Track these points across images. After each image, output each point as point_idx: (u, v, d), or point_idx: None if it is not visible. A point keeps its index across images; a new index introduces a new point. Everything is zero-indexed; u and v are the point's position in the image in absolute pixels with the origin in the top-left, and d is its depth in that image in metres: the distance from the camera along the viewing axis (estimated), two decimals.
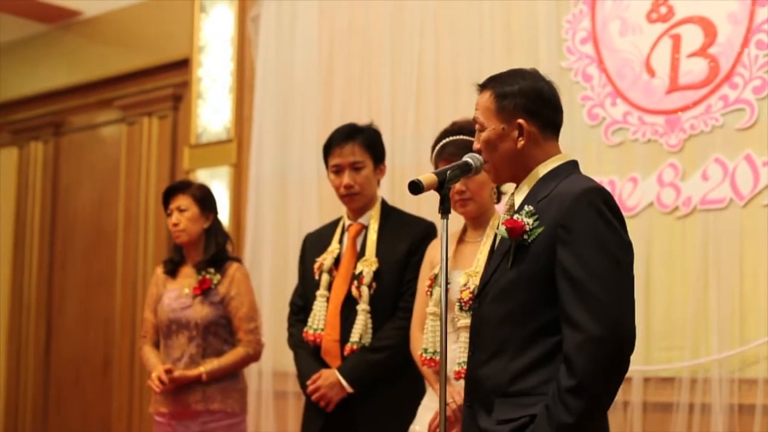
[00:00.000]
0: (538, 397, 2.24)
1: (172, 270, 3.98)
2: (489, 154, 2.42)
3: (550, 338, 2.26)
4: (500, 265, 2.36)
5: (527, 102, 2.38)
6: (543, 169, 2.39)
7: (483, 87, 2.46)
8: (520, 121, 2.37)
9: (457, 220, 3.28)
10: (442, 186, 2.44)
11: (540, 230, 2.27)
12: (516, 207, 2.39)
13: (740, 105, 3.94)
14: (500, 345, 2.31)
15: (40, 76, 7.28)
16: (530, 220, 2.29)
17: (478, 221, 3.08)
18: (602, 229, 2.24)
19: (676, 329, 3.99)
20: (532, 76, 2.43)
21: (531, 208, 2.31)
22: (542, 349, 2.26)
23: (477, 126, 2.44)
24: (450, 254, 3.07)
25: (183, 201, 3.91)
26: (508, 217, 2.38)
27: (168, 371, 3.74)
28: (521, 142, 2.38)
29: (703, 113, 4.01)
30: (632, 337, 2.22)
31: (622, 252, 2.26)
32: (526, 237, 2.29)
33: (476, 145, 2.45)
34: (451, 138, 3.07)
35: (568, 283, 2.22)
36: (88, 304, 6.79)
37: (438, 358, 2.98)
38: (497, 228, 2.40)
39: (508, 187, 2.70)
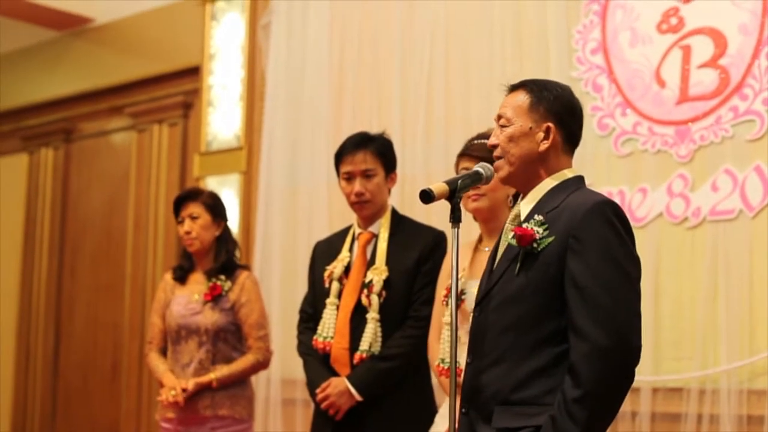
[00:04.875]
0: (540, 407, 2.24)
1: (182, 276, 4.00)
2: (508, 149, 2.41)
3: (555, 347, 2.26)
4: (505, 272, 2.36)
5: (560, 110, 2.41)
6: (552, 182, 2.40)
7: (516, 87, 2.46)
8: (549, 124, 2.39)
9: (470, 230, 3.29)
10: (453, 195, 2.44)
11: (550, 240, 2.28)
12: (523, 217, 2.40)
13: (750, 116, 3.95)
14: (503, 353, 2.31)
15: (51, 83, 7.31)
16: (540, 229, 2.30)
17: (492, 229, 3.06)
18: (612, 242, 2.26)
19: (685, 340, 3.99)
20: (568, 89, 2.47)
21: (541, 217, 2.32)
22: (546, 358, 2.27)
23: (501, 121, 2.43)
24: (466, 263, 3.07)
25: (195, 209, 3.93)
26: (514, 225, 2.39)
27: (184, 390, 3.76)
28: (544, 145, 2.39)
29: (713, 124, 4.01)
30: (638, 349, 2.23)
31: (631, 265, 2.28)
32: (535, 245, 2.29)
33: (493, 141, 2.43)
34: (477, 141, 3.09)
35: (577, 292, 2.23)
36: (97, 310, 6.80)
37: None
38: (506, 236, 2.41)
39: None
